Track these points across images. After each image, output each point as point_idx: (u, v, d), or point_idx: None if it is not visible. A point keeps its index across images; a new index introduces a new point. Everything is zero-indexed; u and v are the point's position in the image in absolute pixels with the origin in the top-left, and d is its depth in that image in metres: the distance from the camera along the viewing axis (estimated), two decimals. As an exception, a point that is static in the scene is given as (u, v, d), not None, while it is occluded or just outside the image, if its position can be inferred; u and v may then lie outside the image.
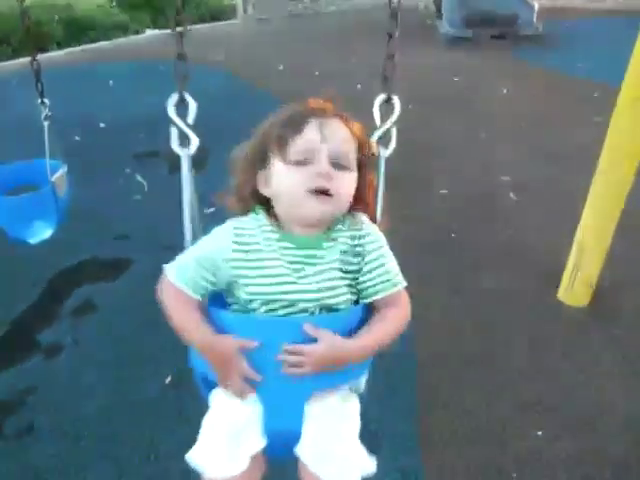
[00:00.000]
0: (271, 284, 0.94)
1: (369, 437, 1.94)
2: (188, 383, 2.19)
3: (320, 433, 0.95)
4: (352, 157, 0.97)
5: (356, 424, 1.01)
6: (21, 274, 2.85)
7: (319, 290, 0.94)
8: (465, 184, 3.78)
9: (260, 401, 0.94)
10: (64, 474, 1.85)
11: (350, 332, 0.94)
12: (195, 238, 1.09)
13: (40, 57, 2.28)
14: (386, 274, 0.99)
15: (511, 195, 3.63)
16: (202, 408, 2.07)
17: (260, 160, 1.00)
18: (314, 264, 0.95)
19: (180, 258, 1.01)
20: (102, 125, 4.91)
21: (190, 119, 1.12)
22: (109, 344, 2.40)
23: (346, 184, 0.95)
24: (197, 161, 4.32)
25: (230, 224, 1.00)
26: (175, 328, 0.97)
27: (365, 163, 1.02)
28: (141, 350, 2.37)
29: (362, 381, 1.10)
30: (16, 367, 2.29)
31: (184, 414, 2.08)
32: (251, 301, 0.96)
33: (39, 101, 2.22)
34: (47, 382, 2.20)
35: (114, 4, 11.59)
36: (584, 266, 2.50)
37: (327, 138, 0.93)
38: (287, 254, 0.96)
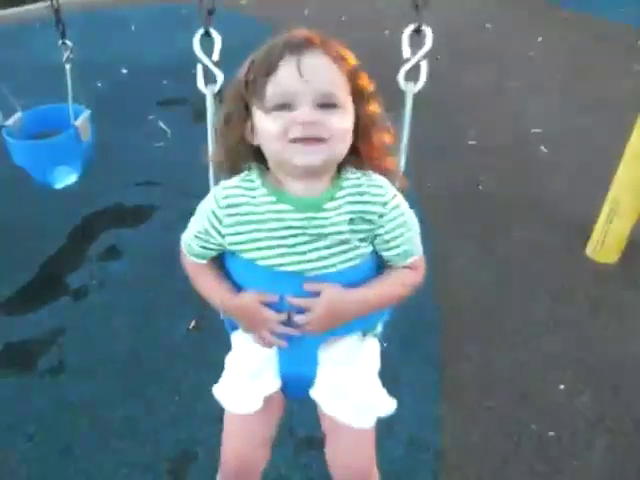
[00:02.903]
0: (269, 257, 0.87)
1: (390, 387, 1.97)
2: (211, 328, 2.24)
3: (333, 375, 0.97)
4: (342, 93, 0.83)
5: (372, 364, 1.03)
6: (49, 220, 2.90)
7: (319, 259, 0.86)
8: (494, 136, 3.66)
9: (275, 347, 0.96)
10: (96, 408, 1.93)
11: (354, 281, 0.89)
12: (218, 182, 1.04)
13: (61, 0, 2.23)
14: (404, 246, 0.92)
15: (542, 148, 3.50)
16: (224, 352, 2.12)
17: (243, 106, 0.87)
18: (315, 229, 0.85)
19: (185, 234, 1.00)
20: (124, 71, 4.85)
21: (215, 56, 1.06)
22: (134, 289, 2.44)
23: (339, 124, 0.82)
24: (220, 106, 4.23)
25: (218, 194, 0.90)
26: (201, 296, 1.00)
27: (362, 96, 0.88)
28: (165, 295, 2.41)
29: (377, 325, 1.09)
30: (46, 308, 2.35)
31: (207, 357, 2.12)
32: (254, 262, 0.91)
33: (60, 42, 2.18)
34: (76, 323, 2.27)
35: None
36: (617, 220, 2.42)
37: (308, 76, 0.79)
38: (285, 218, 0.86)
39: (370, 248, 0.90)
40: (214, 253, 0.96)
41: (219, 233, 0.90)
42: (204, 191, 3.35)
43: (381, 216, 0.87)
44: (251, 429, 1.01)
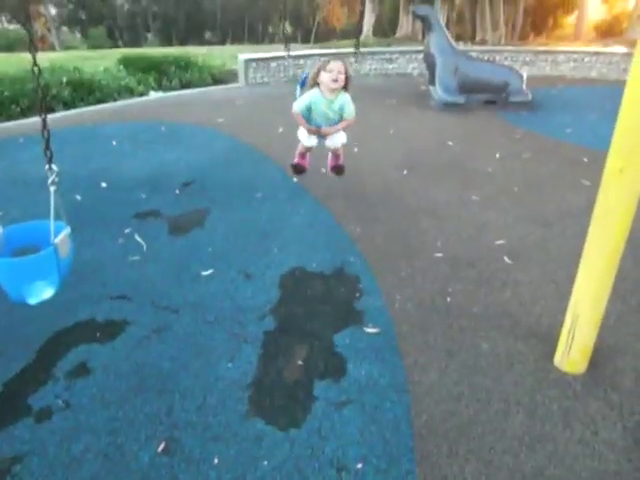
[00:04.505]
0: (318, 113, 3.23)
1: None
2: (181, 450, 2.16)
3: (330, 138, 3.43)
4: (343, 71, 3.05)
5: (342, 134, 3.48)
6: (16, 334, 2.84)
7: (333, 115, 3.25)
8: (460, 248, 3.84)
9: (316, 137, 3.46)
10: None
11: (337, 122, 3.32)
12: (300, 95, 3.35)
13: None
14: (349, 113, 3.21)
15: (506, 259, 3.68)
16: (195, 478, 2.02)
17: (318, 72, 3.07)
18: (330, 106, 3.19)
19: (296, 102, 3.22)
20: (104, 185, 5.01)
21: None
22: (102, 409, 2.36)
23: (342, 78, 3.05)
24: (195, 221, 4.40)
25: (310, 92, 3.15)
26: (299, 123, 3.32)
27: (347, 75, 3.08)
28: (135, 415, 2.33)
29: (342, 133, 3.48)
30: (5, 431, 2.23)
31: (176, 484, 2.03)
32: (314, 116, 3.28)
33: (47, 167, 2.30)
34: (37, 449, 2.15)
35: (121, 67, 12.06)
36: (579, 332, 2.51)
37: (338, 66, 3.05)
38: (324, 103, 3.17)
39: (341, 114, 3.24)
40: (304, 110, 3.21)
41: (308, 105, 3.19)
42: (176, 305, 3.35)
43: (344, 105, 3.19)
44: (307, 148, 3.57)
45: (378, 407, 2.37)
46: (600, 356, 2.65)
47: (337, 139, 3.46)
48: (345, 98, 3.17)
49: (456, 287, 3.31)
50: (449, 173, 5.55)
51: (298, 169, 3.76)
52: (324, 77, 3.06)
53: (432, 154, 6.25)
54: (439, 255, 3.72)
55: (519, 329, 2.91)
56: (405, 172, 5.51)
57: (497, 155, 6.18)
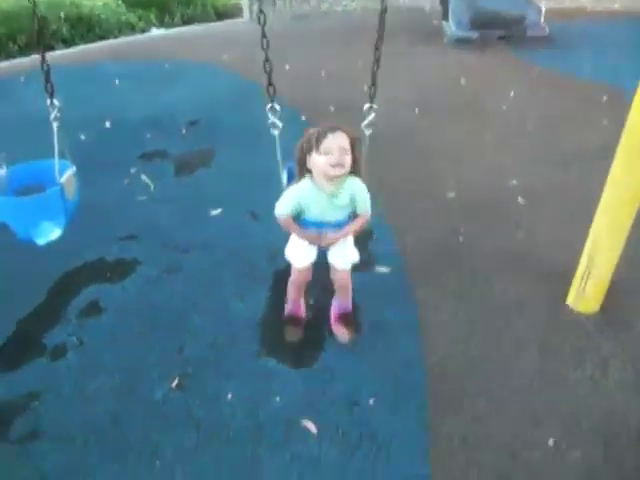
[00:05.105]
0: (316, 214, 2.02)
1: (378, 445, 1.93)
2: (194, 386, 2.19)
3: (334, 251, 2.20)
4: (348, 147, 1.88)
5: (350, 244, 2.23)
6: (27, 275, 2.84)
7: (339, 214, 2.05)
8: (473, 188, 3.75)
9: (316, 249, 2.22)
10: (71, 478, 1.84)
11: (347, 223, 2.09)
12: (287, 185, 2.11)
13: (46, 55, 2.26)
14: (363, 205, 2.04)
15: (519, 199, 3.59)
16: (207, 411, 2.06)
17: (305, 154, 1.93)
18: (334, 202, 1.98)
19: (280, 205, 2.01)
20: (108, 124, 4.89)
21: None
22: (115, 347, 2.39)
23: (347, 159, 1.88)
24: (202, 160, 4.29)
25: (298, 186, 1.98)
26: (288, 231, 2.12)
27: (354, 149, 1.92)
28: (147, 353, 2.35)
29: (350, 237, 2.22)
30: (21, 369, 2.27)
31: (190, 418, 2.06)
32: (309, 219, 2.05)
33: (48, 102, 2.21)
34: (53, 385, 2.19)
35: (120, 2, 11.56)
36: (595, 271, 2.47)
37: (339, 141, 1.86)
38: (324, 199, 1.97)
39: (352, 208, 2.05)
40: (292, 212, 2.02)
41: (297, 207, 2.00)
42: (186, 245, 3.31)
43: (355, 195, 2.00)
44: (304, 272, 2.27)
45: (390, 346, 2.38)
46: (613, 297, 2.61)
47: (346, 255, 2.24)
48: (355, 185, 1.99)
49: (468, 228, 3.25)
50: (462, 112, 5.36)
51: (293, 322, 2.43)
52: (318, 162, 1.87)
53: (444, 93, 6.02)
54: (451, 195, 3.64)
55: (532, 270, 2.88)
56: (417, 111, 5.33)
57: (512, 93, 5.94)
